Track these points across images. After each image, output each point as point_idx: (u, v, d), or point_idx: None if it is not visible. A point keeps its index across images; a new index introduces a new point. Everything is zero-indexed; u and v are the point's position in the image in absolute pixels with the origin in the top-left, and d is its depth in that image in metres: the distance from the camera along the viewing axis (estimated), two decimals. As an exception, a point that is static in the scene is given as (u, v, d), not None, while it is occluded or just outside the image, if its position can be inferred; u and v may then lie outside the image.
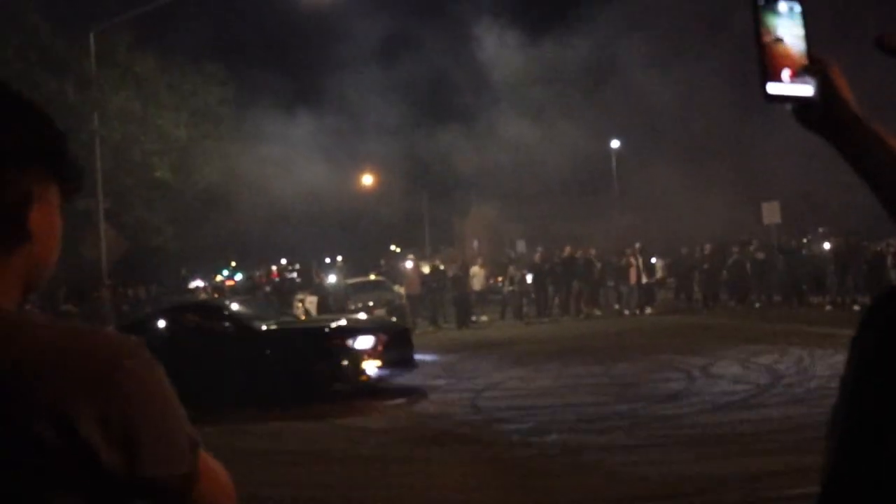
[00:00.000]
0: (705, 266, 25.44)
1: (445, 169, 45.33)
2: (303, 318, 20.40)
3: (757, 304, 24.28)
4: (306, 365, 12.74)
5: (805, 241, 25.84)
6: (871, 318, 0.98)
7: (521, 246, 34.72)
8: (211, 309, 14.20)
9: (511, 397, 12.07)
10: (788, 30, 1.31)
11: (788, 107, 1.30)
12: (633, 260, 25.48)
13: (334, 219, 39.44)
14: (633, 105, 39.30)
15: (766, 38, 1.29)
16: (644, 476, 7.47)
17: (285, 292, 27.57)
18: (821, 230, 25.67)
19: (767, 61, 1.29)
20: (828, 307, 22.36)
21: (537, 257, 26.81)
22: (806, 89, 1.28)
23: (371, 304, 26.48)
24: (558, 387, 12.77)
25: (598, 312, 25.40)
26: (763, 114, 26.14)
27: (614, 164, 45.42)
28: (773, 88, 1.28)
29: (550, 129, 39.59)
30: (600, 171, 45.68)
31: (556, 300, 25.92)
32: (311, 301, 26.30)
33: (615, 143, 44.52)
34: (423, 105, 44.47)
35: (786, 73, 1.28)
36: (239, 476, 1.36)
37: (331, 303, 24.11)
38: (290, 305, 25.48)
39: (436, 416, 10.84)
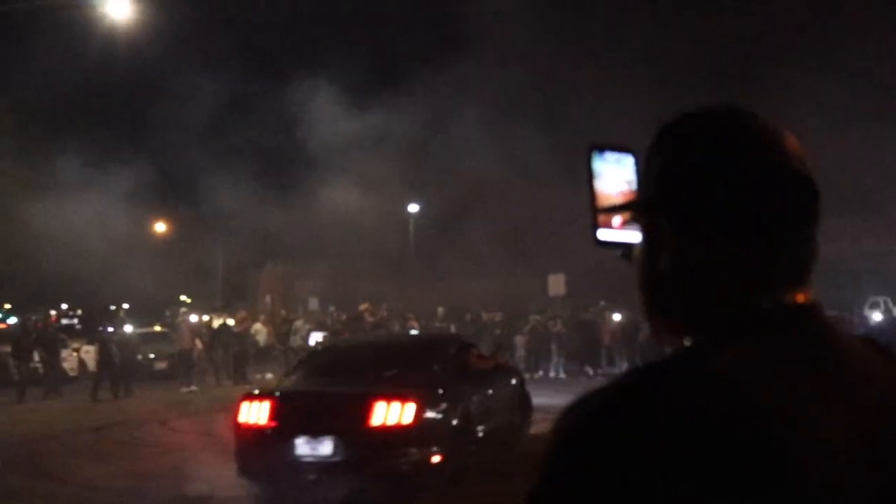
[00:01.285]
0: (497, 332, 25.79)
1: (242, 223, 44.43)
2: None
3: (545, 374, 24.56)
4: (511, 409, 11.20)
5: (585, 314, 26.52)
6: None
7: (313, 304, 34.37)
8: (460, 341, 11.85)
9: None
10: (621, 178, 1.32)
11: (618, 253, 1.31)
12: (415, 323, 25.69)
13: (125, 265, 37.60)
14: (433, 172, 40.13)
15: (599, 186, 1.30)
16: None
17: (50, 340, 23.21)
18: (602, 303, 26.54)
19: (599, 209, 1.29)
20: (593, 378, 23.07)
21: (334, 315, 26.50)
22: (636, 236, 1.28)
23: (152, 356, 25.09)
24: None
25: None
26: (553, 188, 27.29)
27: (412, 227, 46.12)
28: (603, 235, 1.29)
29: (350, 189, 39.74)
30: (398, 234, 46.19)
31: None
32: (88, 351, 24.30)
33: (413, 207, 45.27)
34: (221, 158, 43.41)
35: (616, 221, 1.30)
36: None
37: (114, 353, 21.50)
38: (57, 356, 22.73)
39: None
